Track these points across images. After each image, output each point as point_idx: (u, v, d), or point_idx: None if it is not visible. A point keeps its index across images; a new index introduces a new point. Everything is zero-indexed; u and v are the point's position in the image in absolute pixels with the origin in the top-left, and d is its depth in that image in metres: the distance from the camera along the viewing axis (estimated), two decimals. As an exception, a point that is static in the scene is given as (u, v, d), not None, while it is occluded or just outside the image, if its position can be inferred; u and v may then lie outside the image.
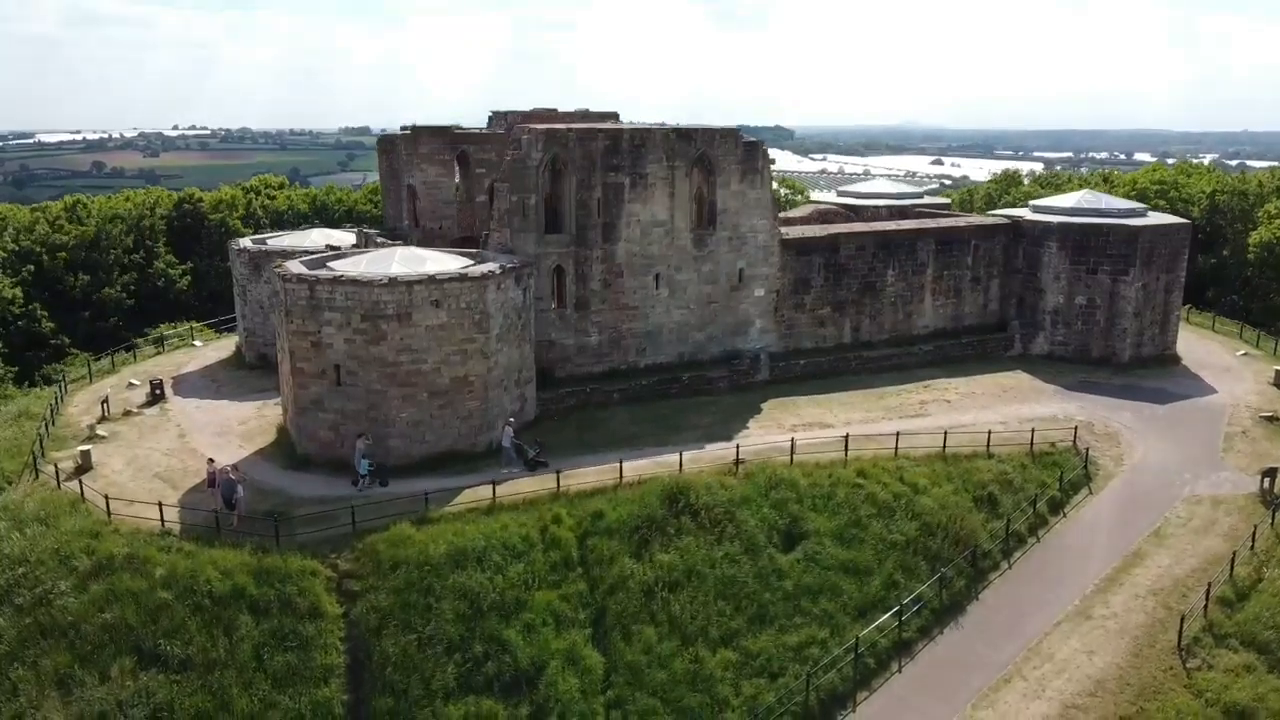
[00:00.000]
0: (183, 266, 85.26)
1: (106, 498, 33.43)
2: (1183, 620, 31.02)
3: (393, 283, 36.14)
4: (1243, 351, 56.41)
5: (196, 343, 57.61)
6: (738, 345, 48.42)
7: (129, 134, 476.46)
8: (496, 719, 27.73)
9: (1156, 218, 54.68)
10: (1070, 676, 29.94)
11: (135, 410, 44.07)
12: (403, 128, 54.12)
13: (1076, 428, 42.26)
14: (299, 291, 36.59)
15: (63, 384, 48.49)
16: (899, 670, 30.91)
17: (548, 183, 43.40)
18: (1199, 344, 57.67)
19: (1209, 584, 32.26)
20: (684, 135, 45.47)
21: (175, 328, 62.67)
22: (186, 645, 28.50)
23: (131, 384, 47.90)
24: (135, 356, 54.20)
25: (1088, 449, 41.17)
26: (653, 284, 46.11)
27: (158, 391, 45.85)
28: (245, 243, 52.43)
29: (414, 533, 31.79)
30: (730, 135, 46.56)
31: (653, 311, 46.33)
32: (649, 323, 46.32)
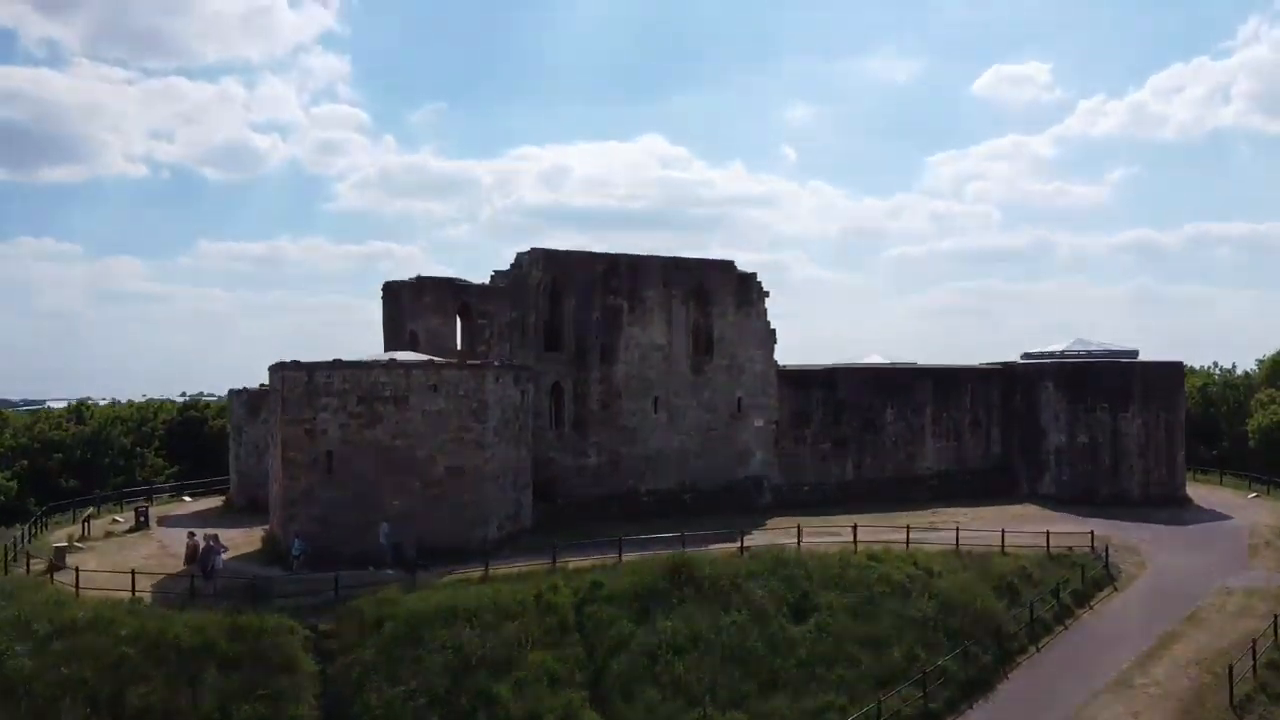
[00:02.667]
0: (172, 470, 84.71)
1: (77, 571, 31.68)
2: (1232, 679, 28.53)
3: (391, 364, 36.18)
4: (1254, 494, 55.34)
5: (185, 497, 56.41)
6: (739, 476, 47.54)
7: (138, 400, 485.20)
8: (483, 772, 24.89)
9: (1148, 358, 55.40)
10: (1116, 737, 27.17)
11: (117, 532, 42.53)
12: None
13: (1093, 532, 40.71)
14: (297, 379, 36.48)
15: (41, 519, 46.97)
16: (928, 741, 28.06)
17: (547, 303, 44.40)
18: (1208, 492, 56.62)
19: (1254, 644, 29.98)
20: (680, 264, 47.07)
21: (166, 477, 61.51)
22: (147, 695, 26.01)
23: (115, 521, 46.46)
24: (122, 506, 52.85)
25: (1107, 549, 39.47)
26: (651, 408, 46.00)
27: (142, 518, 44.42)
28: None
29: (401, 596, 29.94)
30: (725, 267, 48.16)
31: (652, 436, 45.89)
32: (648, 447, 45.76)
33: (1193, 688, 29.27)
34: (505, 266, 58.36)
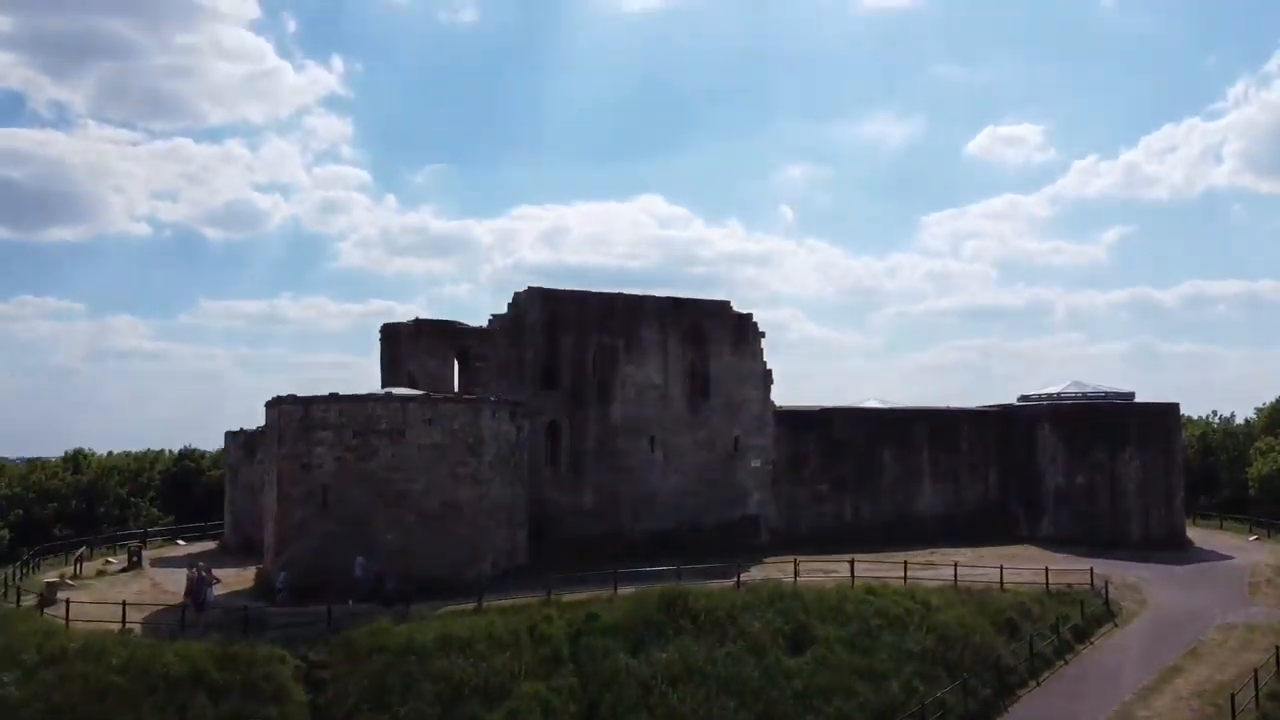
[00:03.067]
0: (167, 520, 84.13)
1: (67, 604, 31.42)
2: (1234, 710, 28.15)
3: (388, 398, 36.27)
4: (1254, 537, 55.05)
5: (179, 541, 56.08)
6: (736, 516, 47.32)
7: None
8: (474, 801, 24.45)
9: (1144, 399, 55.49)
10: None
11: (110, 572, 42.22)
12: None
13: (1092, 569, 40.42)
14: (293, 413, 36.54)
15: (33, 560, 46.62)
16: (927, 774, 27.61)
17: (545, 342, 44.62)
18: (1209, 536, 56.40)
19: (1255, 674, 29.64)
20: (676, 304, 47.39)
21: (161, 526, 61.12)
22: (134, 723, 25.64)
23: (109, 561, 46.15)
24: (115, 549, 52.50)
25: (1107, 584, 39.18)
26: (648, 447, 45.97)
27: (135, 558, 44.12)
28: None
29: (393, 626, 29.66)
30: (721, 307, 48.48)
31: (648, 475, 45.78)
32: (645, 486, 45.62)
33: (1195, 719, 28.89)
34: (504, 311, 58.61)
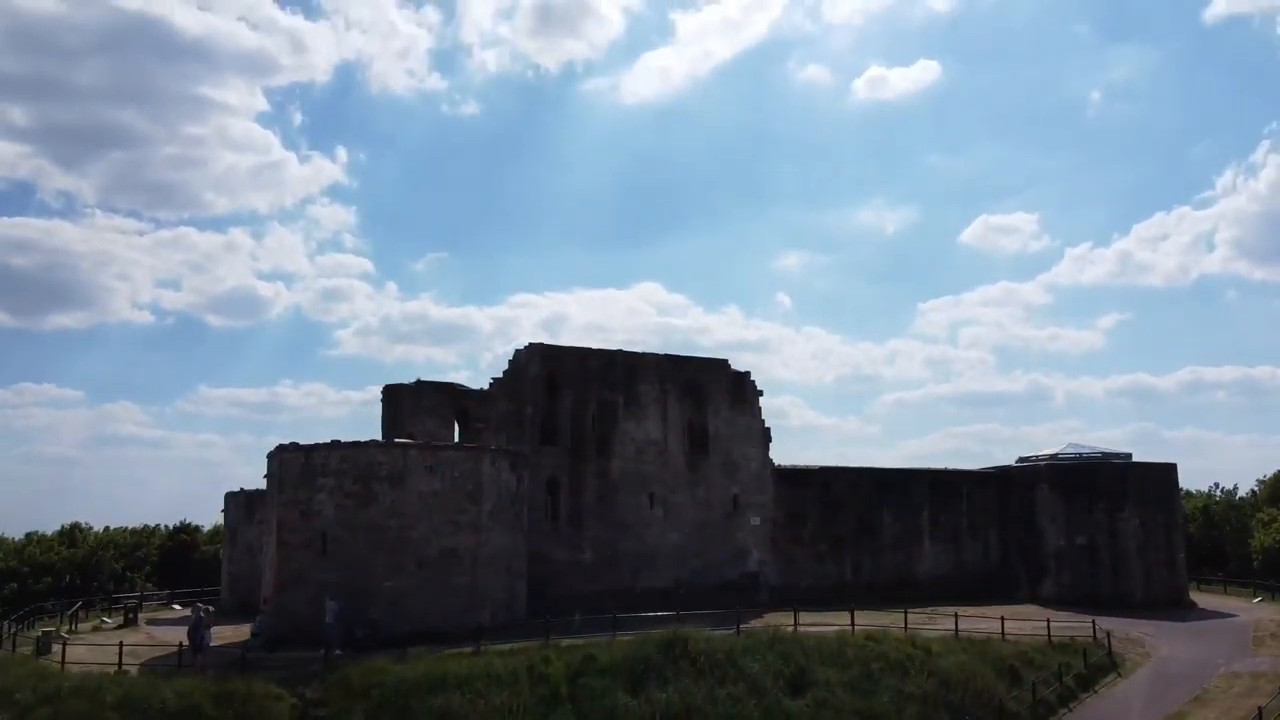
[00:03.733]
0: (163, 594, 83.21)
1: (64, 648, 31.28)
2: (1240, 744, 27.88)
3: (389, 444, 36.61)
4: (1259, 599, 54.61)
5: (175, 606, 55.58)
6: (736, 574, 47.12)
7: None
8: (470, 835, 24.05)
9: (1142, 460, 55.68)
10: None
11: (105, 628, 41.93)
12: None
13: (1094, 621, 40.18)
14: (294, 460, 36.81)
15: (27, 617, 46.21)
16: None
17: (544, 397, 45.11)
18: (1212, 598, 55.91)
19: (1260, 710, 29.35)
20: (675, 361, 48.04)
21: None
22: (127, 758, 25.38)
23: (104, 620, 45.82)
24: (110, 609, 52.02)
25: (1109, 636, 38.89)
26: (647, 503, 46.08)
27: (130, 615, 43.84)
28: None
29: (391, 665, 29.50)
30: (719, 366, 49.11)
31: (648, 531, 45.79)
32: (644, 543, 45.59)
33: (1201, 760, 28.55)
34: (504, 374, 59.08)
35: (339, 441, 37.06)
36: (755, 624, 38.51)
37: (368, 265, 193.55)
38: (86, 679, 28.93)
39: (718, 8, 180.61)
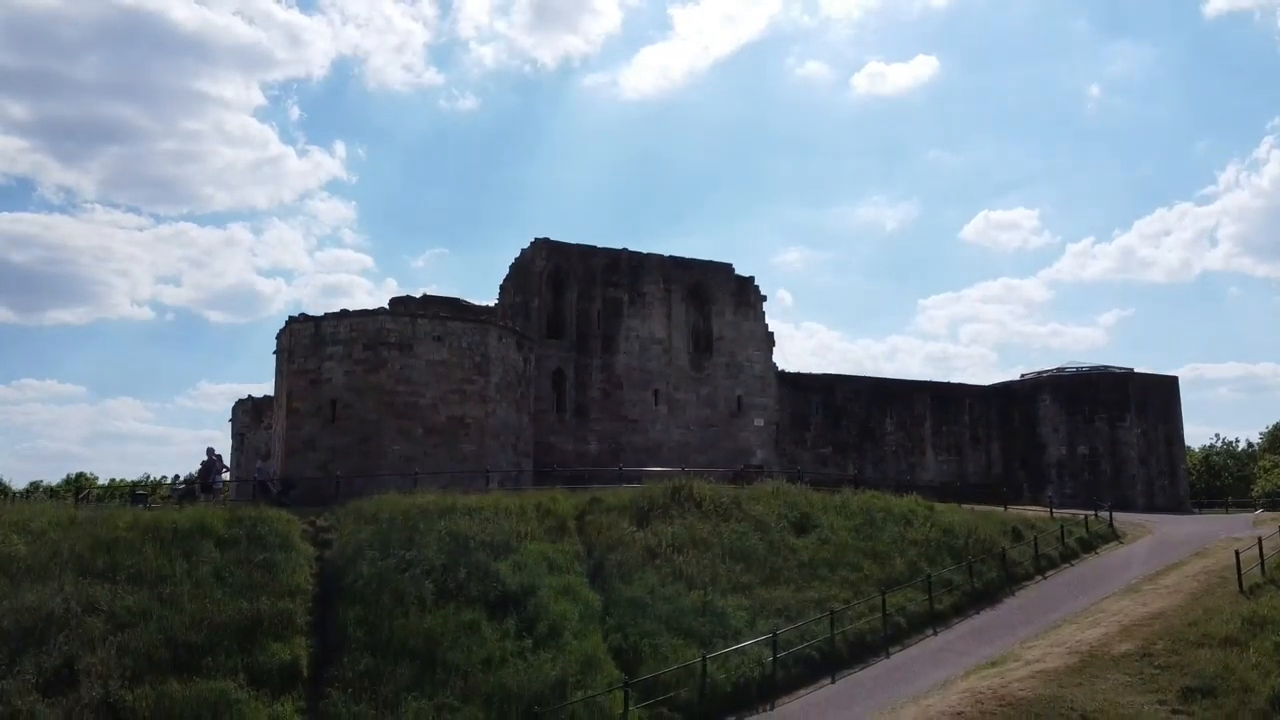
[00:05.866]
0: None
1: (76, 492, 31.59)
2: (1239, 567, 28.19)
3: (397, 310, 37.00)
4: (1260, 510, 54.81)
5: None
6: (740, 469, 47.36)
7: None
8: (479, 628, 24.31)
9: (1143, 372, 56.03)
10: (1128, 615, 26.65)
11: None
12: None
13: (1095, 500, 40.49)
14: (304, 330, 37.23)
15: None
16: (934, 634, 27.49)
17: (550, 292, 45.47)
18: (1214, 515, 56.15)
19: (1260, 541, 29.71)
20: (680, 263, 48.40)
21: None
22: (140, 563, 25.68)
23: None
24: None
25: (1111, 514, 39.23)
26: (651, 399, 46.43)
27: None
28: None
29: (401, 497, 29.87)
30: (723, 269, 49.46)
31: (652, 427, 46.14)
32: (649, 438, 45.92)
33: (1202, 585, 28.85)
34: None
35: (348, 310, 37.49)
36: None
37: (367, 261, 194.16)
38: (98, 508, 29.36)
39: (716, 3, 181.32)
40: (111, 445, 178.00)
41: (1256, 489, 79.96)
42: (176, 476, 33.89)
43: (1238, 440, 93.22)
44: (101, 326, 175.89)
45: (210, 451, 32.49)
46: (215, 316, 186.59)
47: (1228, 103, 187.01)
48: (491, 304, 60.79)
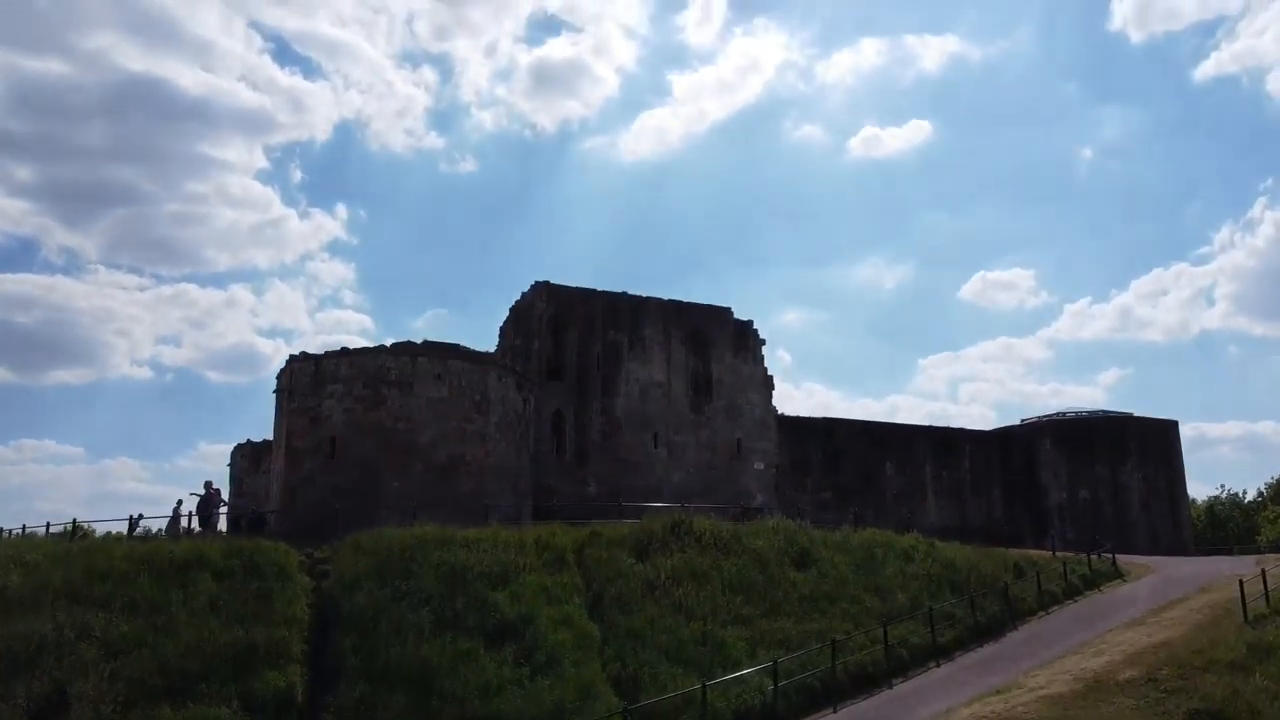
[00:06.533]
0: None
1: (73, 527, 31.48)
2: (1244, 596, 27.97)
3: (398, 349, 37.17)
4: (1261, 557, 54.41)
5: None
6: (739, 512, 47.14)
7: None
8: (476, 656, 24.06)
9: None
10: (1133, 644, 26.38)
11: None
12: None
13: (1096, 538, 40.23)
14: (305, 369, 37.37)
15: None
16: (936, 665, 27.19)
17: (550, 335, 45.70)
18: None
19: (1263, 571, 29.50)
20: (679, 307, 48.72)
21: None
22: (135, 592, 25.48)
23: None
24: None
25: (1114, 554, 38.97)
26: (651, 442, 46.39)
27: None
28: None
29: (398, 531, 29.72)
30: (722, 313, 49.76)
31: (651, 471, 46.02)
32: (648, 481, 45.75)
33: (1206, 617, 28.62)
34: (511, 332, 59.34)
35: (348, 349, 37.66)
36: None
37: (367, 321, 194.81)
38: (93, 541, 29.23)
39: (712, 69, 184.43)
40: (108, 506, 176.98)
41: (1262, 538, 79.25)
42: (179, 502, 33.62)
43: (1244, 492, 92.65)
44: (101, 386, 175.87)
45: (208, 485, 32.42)
46: (215, 377, 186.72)
47: (1219, 165, 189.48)
48: (491, 352, 61.04)
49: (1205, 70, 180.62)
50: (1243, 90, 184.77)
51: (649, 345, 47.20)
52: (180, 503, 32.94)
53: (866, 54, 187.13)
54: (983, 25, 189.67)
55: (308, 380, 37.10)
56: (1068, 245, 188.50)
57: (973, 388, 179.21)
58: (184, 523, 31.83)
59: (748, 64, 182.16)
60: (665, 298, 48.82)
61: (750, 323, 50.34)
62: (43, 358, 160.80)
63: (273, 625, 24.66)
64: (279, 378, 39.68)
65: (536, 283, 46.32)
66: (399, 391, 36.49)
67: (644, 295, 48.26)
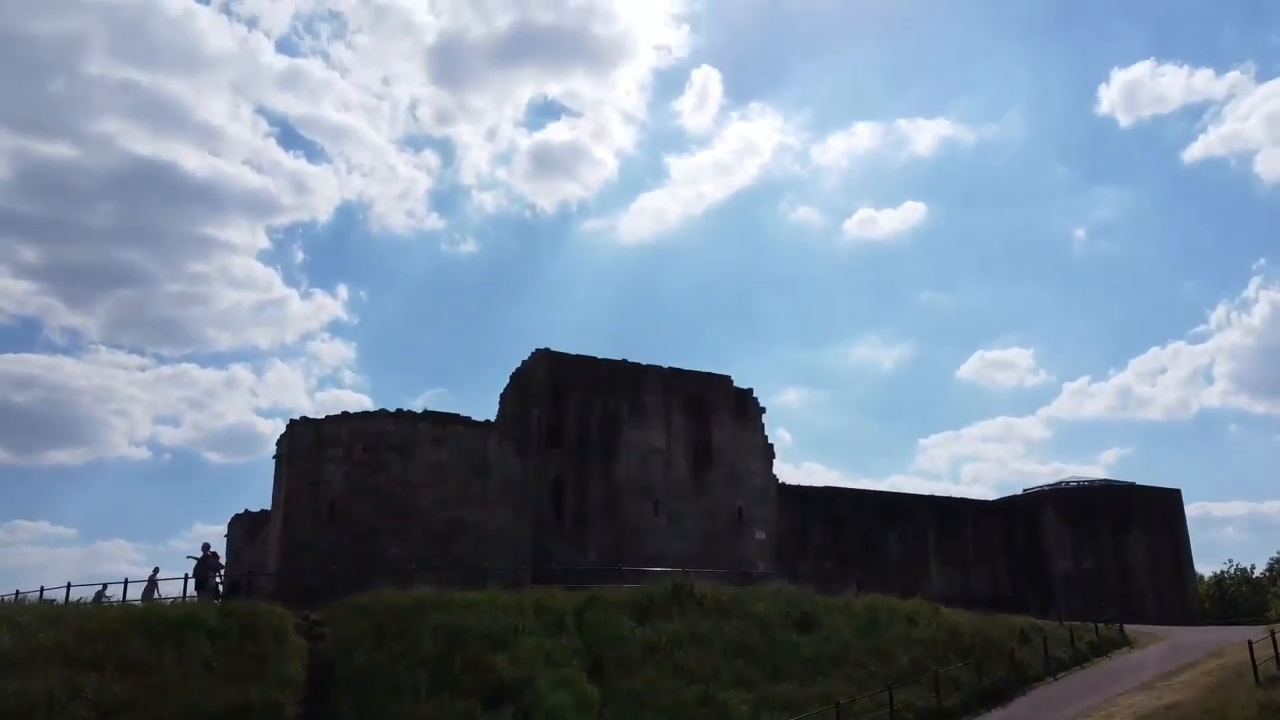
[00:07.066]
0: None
1: (67, 590, 31.13)
2: (1254, 657, 27.52)
3: (398, 415, 37.19)
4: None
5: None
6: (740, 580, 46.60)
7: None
8: (473, 718, 23.66)
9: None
10: (1142, 707, 25.90)
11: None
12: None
13: (1104, 606, 39.69)
14: (305, 434, 37.35)
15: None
16: (944, 731, 26.64)
17: (550, 402, 45.73)
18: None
19: (1272, 632, 29.02)
20: (679, 374, 48.85)
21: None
22: (127, 653, 25.10)
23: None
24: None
25: (1122, 624, 38.41)
26: (651, 509, 46.09)
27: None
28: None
29: (396, 593, 29.40)
30: (722, 381, 49.88)
31: (651, 538, 45.62)
32: (648, 548, 45.28)
33: (1216, 680, 28.16)
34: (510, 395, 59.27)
35: (348, 413, 37.70)
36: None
37: (366, 401, 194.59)
38: (87, 605, 28.86)
39: (709, 152, 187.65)
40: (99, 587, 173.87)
41: (1271, 613, 78.11)
42: (155, 570, 33.22)
43: (1253, 566, 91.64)
44: (98, 467, 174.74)
45: (205, 548, 32.16)
46: (213, 457, 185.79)
47: (1212, 244, 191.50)
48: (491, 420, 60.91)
49: (1194, 152, 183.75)
50: (1231, 172, 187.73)
51: (649, 412, 47.22)
52: (156, 570, 32.56)
53: (860, 137, 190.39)
54: (974, 109, 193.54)
55: (308, 444, 37.06)
56: (1065, 324, 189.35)
57: (974, 467, 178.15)
58: (158, 591, 31.41)
59: (744, 147, 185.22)
60: (665, 366, 48.97)
61: (750, 391, 50.45)
62: (41, 438, 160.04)
63: (268, 686, 24.25)
64: (279, 443, 39.64)
65: (537, 349, 46.55)
66: (399, 456, 36.43)
67: (644, 363, 48.42)
